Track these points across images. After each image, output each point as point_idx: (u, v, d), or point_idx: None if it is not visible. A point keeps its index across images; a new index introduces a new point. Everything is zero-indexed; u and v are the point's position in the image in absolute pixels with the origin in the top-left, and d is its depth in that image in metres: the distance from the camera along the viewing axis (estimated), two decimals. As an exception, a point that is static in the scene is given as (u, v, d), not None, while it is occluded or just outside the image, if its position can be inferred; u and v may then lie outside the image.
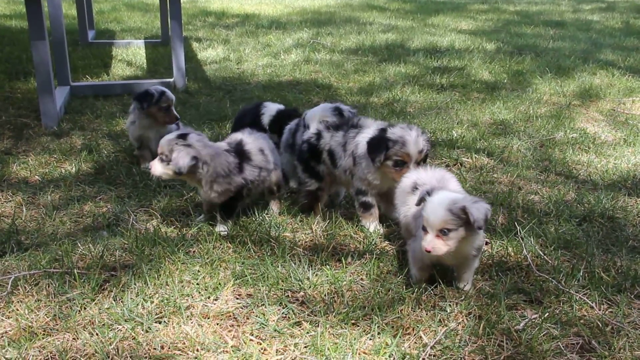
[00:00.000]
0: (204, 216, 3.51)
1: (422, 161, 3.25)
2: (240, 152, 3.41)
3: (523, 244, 3.18)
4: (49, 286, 2.77)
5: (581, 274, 2.92)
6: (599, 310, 2.68)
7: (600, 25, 11.12)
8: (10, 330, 2.48)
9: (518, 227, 3.32)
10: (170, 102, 4.29)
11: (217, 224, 3.40)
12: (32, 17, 4.73)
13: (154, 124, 4.30)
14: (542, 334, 2.49)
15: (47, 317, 2.57)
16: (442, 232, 2.57)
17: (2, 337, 2.44)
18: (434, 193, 2.67)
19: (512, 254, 3.14)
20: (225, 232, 3.33)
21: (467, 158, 4.47)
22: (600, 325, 2.56)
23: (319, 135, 3.54)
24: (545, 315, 2.61)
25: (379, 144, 3.20)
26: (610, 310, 2.69)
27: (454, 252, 2.64)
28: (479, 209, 2.54)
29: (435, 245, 2.57)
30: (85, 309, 2.63)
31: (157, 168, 3.27)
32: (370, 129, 3.36)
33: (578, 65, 7.41)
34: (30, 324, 2.51)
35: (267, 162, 3.52)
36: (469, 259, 2.75)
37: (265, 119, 4.24)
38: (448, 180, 2.95)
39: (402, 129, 3.23)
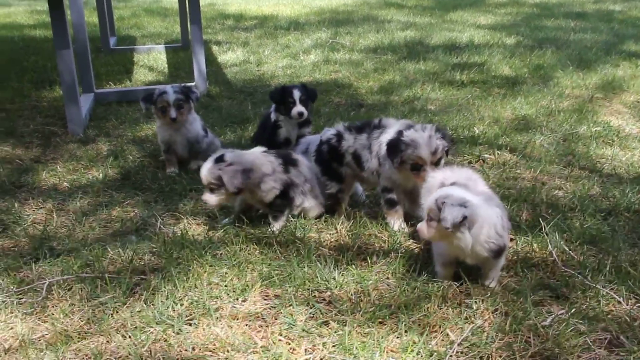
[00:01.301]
0: (229, 219, 3.56)
1: (439, 160, 3.25)
2: (286, 156, 3.55)
3: (548, 240, 3.18)
4: (81, 291, 2.84)
5: (607, 269, 2.91)
6: (627, 305, 2.68)
7: (623, 15, 10.99)
8: (46, 334, 2.55)
9: (542, 223, 3.31)
10: (167, 103, 4.30)
11: (272, 223, 3.47)
12: (56, 26, 4.82)
13: (177, 127, 4.35)
14: (569, 330, 2.50)
15: (81, 321, 2.63)
16: (429, 219, 2.70)
17: (39, 340, 2.52)
18: (448, 187, 2.80)
19: (537, 249, 3.14)
20: (277, 230, 3.40)
21: (490, 154, 4.46)
22: (629, 320, 2.56)
23: (339, 136, 3.57)
24: (572, 310, 2.62)
25: (395, 148, 3.23)
26: (638, 305, 2.69)
27: (458, 249, 2.69)
28: (452, 211, 2.58)
29: (421, 228, 2.75)
30: (117, 312, 2.69)
31: (211, 199, 3.38)
32: (392, 128, 3.38)
33: (600, 57, 7.34)
34: (65, 328, 2.58)
35: (312, 183, 3.59)
36: (488, 260, 2.74)
37: None
38: (475, 181, 2.96)
39: (415, 131, 3.23)
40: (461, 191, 2.71)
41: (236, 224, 3.47)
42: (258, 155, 3.48)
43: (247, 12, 11.97)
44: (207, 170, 3.34)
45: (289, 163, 3.53)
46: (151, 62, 7.87)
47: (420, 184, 3.20)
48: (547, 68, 6.97)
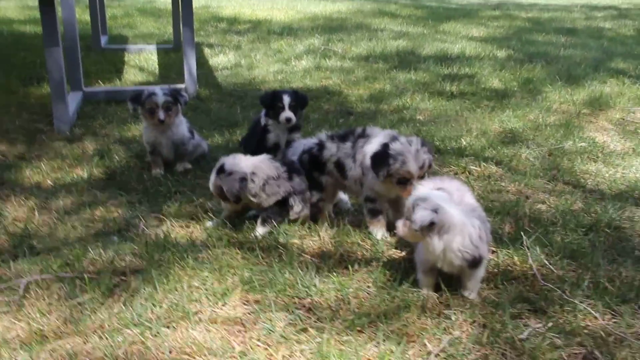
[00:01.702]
0: (215, 221, 3.56)
1: (425, 174, 3.27)
2: (291, 165, 3.61)
3: (529, 253, 3.20)
4: (60, 290, 2.82)
5: (586, 284, 2.93)
6: (603, 320, 2.69)
7: (612, 32, 11.09)
8: (21, 334, 2.54)
9: (524, 237, 3.33)
10: (155, 104, 4.28)
11: (257, 226, 3.48)
12: (46, 23, 4.81)
13: (163, 129, 4.34)
14: (545, 344, 2.51)
15: (58, 321, 2.62)
16: (406, 217, 2.76)
17: (13, 340, 2.50)
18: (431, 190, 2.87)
19: (518, 263, 3.16)
20: (262, 235, 3.41)
21: (476, 166, 4.49)
22: (604, 336, 2.58)
23: (321, 145, 3.57)
24: (549, 324, 2.63)
25: (382, 160, 3.23)
26: (614, 320, 2.71)
27: (431, 254, 2.73)
28: (422, 214, 2.66)
29: (398, 224, 2.81)
30: (95, 313, 2.68)
31: (225, 207, 3.59)
32: (377, 138, 3.38)
33: (589, 74, 7.40)
34: (41, 328, 2.56)
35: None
36: (465, 270, 2.77)
37: None
38: (463, 192, 2.99)
39: (402, 145, 3.23)
40: (441, 197, 2.74)
41: (219, 228, 3.46)
42: (263, 159, 3.53)
43: (241, 16, 11.97)
44: (211, 182, 3.47)
45: (293, 171, 3.56)
46: (142, 62, 7.86)
47: (405, 197, 3.21)
48: (537, 82, 7.01)
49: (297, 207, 3.55)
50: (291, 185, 3.52)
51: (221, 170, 3.42)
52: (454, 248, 2.68)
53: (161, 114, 4.27)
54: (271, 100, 4.32)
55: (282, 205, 3.52)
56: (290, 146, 4.07)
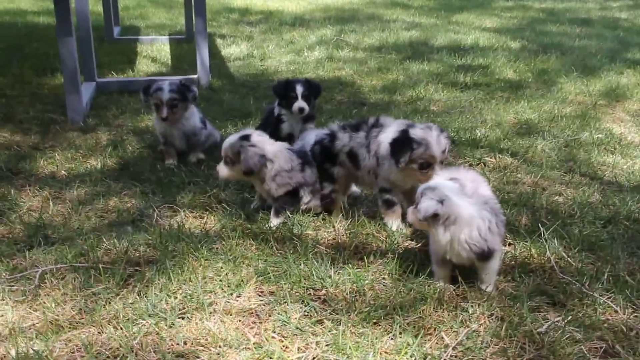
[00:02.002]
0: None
1: (445, 159, 3.25)
2: (305, 156, 3.58)
3: (546, 246, 3.15)
4: (74, 280, 2.81)
5: (605, 277, 2.89)
6: (624, 314, 2.65)
7: (629, 23, 10.96)
8: (37, 323, 2.53)
9: (542, 229, 3.29)
10: (160, 100, 4.24)
11: (271, 217, 3.48)
12: (59, 14, 4.79)
13: (174, 122, 4.32)
14: (564, 337, 2.47)
15: (73, 311, 2.61)
16: (415, 205, 2.75)
17: (29, 329, 2.50)
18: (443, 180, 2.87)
19: (536, 255, 3.12)
20: (276, 225, 3.40)
21: (491, 158, 4.44)
22: (625, 330, 2.54)
23: (332, 136, 3.53)
24: (569, 318, 2.59)
25: (403, 146, 3.19)
26: (635, 314, 2.66)
27: (440, 246, 2.73)
28: (426, 204, 2.65)
29: (409, 211, 2.80)
30: (109, 303, 2.66)
31: (223, 171, 3.45)
32: (391, 127, 3.35)
33: (604, 64, 7.31)
34: (56, 317, 2.55)
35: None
36: (474, 262, 2.75)
37: None
38: (479, 183, 2.96)
39: (423, 130, 3.22)
40: (450, 188, 2.71)
41: (233, 218, 3.45)
42: (282, 149, 3.51)
43: (253, 7, 11.94)
44: (229, 142, 3.42)
45: (306, 163, 3.54)
46: (154, 53, 7.85)
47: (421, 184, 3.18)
48: (551, 73, 6.94)
49: (306, 198, 3.54)
50: (302, 177, 3.50)
51: (246, 138, 3.41)
52: (461, 240, 2.67)
53: (164, 112, 4.23)
54: (284, 90, 4.29)
55: (294, 196, 3.50)
56: (300, 137, 4.05)
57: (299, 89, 4.23)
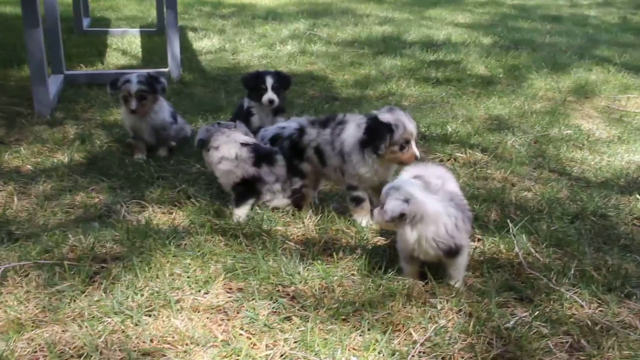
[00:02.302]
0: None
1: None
2: (263, 152, 3.55)
3: (515, 241, 3.18)
4: (38, 278, 2.76)
5: (572, 272, 2.92)
6: (589, 309, 2.69)
7: (597, 20, 11.10)
8: (-2, 322, 2.48)
9: (510, 224, 3.31)
10: (128, 92, 4.17)
11: (233, 209, 3.51)
12: (26, 4, 4.68)
13: (142, 116, 4.26)
14: (531, 333, 2.50)
15: (36, 309, 2.56)
16: (381, 205, 2.74)
17: (-10, 328, 2.44)
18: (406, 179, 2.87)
19: (504, 251, 3.14)
20: (239, 216, 3.41)
21: (461, 153, 4.46)
22: (590, 324, 2.57)
23: (301, 131, 3.51)
24: (536, 313, 2.62)
25: (381, 132, 3.19)
26: (600, 309, 2.70)
27: (407, 244, 2.72)
28: (392, 205, 2.65)
29: (376, 213, 2.78)
30: (74, 301, 2.62)
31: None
32: (352, 123, 3.35)
33: (574, 61, 7.39)
34: (18, 316, 2.50)
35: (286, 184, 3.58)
36: (441, 258, 2.75)
37: None
38: (446, 180, 2.96)
39: (390, 113, 3.26)
40: (414, 186, 2.71)
41: (202, 214, 3.41)
42: (234, 138, 3.52)
43: (226, 0, 11.82)
44: (200, 130, 3.65)
45: (264, 159, 3.50)
46: (125, 45, 7.72)
47: (387, 179, 3.22)
48: (522, 69, 7.00)
49: (265, 197, 3.53)
50: (257, 172, 3.48)
51: (220, 124, 3.62)
52: (429, 238, 2.67)
53: (133, 104, 4.17)
54: (254, 82, 4.26)
55: (250, 188, 3.48)
56: (261, 132, 4.02)
57: (269, 81, 4.20)
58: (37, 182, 3.78)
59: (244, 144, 3.51)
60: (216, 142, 3.50)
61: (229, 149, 3.47)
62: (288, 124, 3.64)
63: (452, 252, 2.71)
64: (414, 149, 3.25)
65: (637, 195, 3.82)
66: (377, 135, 3.20)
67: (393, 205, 2.65)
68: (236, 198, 3.49)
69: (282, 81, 4.31)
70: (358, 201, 3.41)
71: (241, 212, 3.44)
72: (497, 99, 5.81)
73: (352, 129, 3.31)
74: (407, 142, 3.24)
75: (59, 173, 3.92)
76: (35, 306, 2.58)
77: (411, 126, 3.24)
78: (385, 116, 3.24)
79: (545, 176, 4.14)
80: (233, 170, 3.47)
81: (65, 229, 3.21)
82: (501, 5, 12.47)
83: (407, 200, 2.64)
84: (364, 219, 3.41)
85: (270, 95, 4.20)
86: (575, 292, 2.78)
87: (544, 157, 4.46)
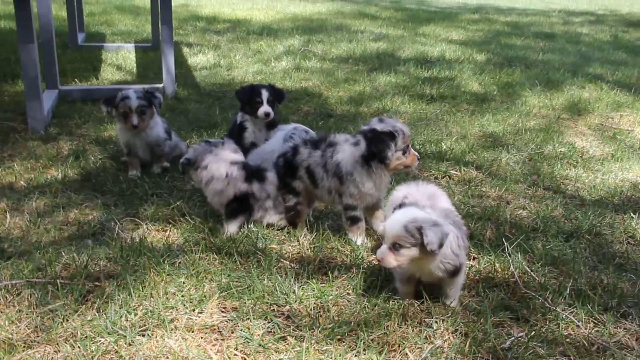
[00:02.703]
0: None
1: None
2: (253, 170, 3.56)
3: (510, 260, 3.17)
4: (31, 296, 2.73)
5: (568, 291, 2.91)
6: (585, 329, 2.67)
7: (590, 38, 11.20)
8: (-10, 342, 2.44)
9: (506, 243, 3.31)
10: (129, 109, 4.18)
11: (224, 225, 3.50)
12: (21, 19, 4.69)
13: (137, 131, 4.25)
14: (528, 353, 2.48)
15: (28, 329, 2.53)
16: (394, 247, 2.59)
17: (-19, 349, 2.41)
18: (402, 207, 2.71)
19: (500, 269, 3.13)
20: (231, 232, 3.42)
21: (456, 171, 4.47)
22: (586, 345, 2.56)
23: (295, 150, 3.50)
24: (532, 333, 2.60)
25: (385, 141, 3.22)
26: (597, 329, 2.69)
27: (418, 269, 2.66)
28: (435, 232, 2.51)
29: (385, 257, 2.60)
30: (67, 320, 2.59)
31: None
32: (343, 144, 3.34)
33: (567, 79, 7.44)
34: (10, 336, 2.47)
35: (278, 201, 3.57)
36: (442, 278, 2.72)
37: None
38: (438, 197, 2.95)
39: (385, 123, 3.29)
40: (419, 211, 2.67)
41: (197, 232, 3.39)
42: (222, 157, 3.48)
43: (221, 15, 11.87)
44: (192, 148, 3.62)
45: (254, 176, 3.50)
46: (120, 61, 7.74)
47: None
48: (516, 86, 7.03)
49: (257, 214, 3.52)
50: (249, 189, 3.47)
51: (208, 142, 3.55)
52: (438, 260, 2.64)
53: (134, 119, 4.17)
54: (249, 95, 4.26)
55: (242, 205, 3.47)
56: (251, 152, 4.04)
57: (265, 94, 4.21)
58: (30, 199, 3.75)
59: (233, 163, 3.49)
60: (204, 161, 3.46)
61: (219, 168, 3.45)
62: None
63: (456, 271, 2.69)
64: (414, 151, 3.33)
65: (632, 214, 3.83)
66: (381, 145, 3.21)
67: (437, 232, 2.51)
68: (227, 214, 3.47)
69: (276, 95, 4.32)
70: (355, 220, 3.40)
71: (232, 229, 3.43)
72: (491, 116, 5.83)
73: (347, 148, 3.30)
74: (408, 146, 3.30)
75: (53, 189, 3.90)
76: (27, 326, 2.55)
77: (408, 130, 3.32)
78: (381, 126, 3.26)
79: (540, 194, 4.14)
80: (224, 190, 3.44)
81: (59, 247, 3.19)
82: (494, 23, 12.57)
83: (436, 224, 2.56)
84: (359, 237, 3.40)
85: (266, 108, 4.20)
86: (571, 312, 2.77)
87: (538, 175, 4.46)
